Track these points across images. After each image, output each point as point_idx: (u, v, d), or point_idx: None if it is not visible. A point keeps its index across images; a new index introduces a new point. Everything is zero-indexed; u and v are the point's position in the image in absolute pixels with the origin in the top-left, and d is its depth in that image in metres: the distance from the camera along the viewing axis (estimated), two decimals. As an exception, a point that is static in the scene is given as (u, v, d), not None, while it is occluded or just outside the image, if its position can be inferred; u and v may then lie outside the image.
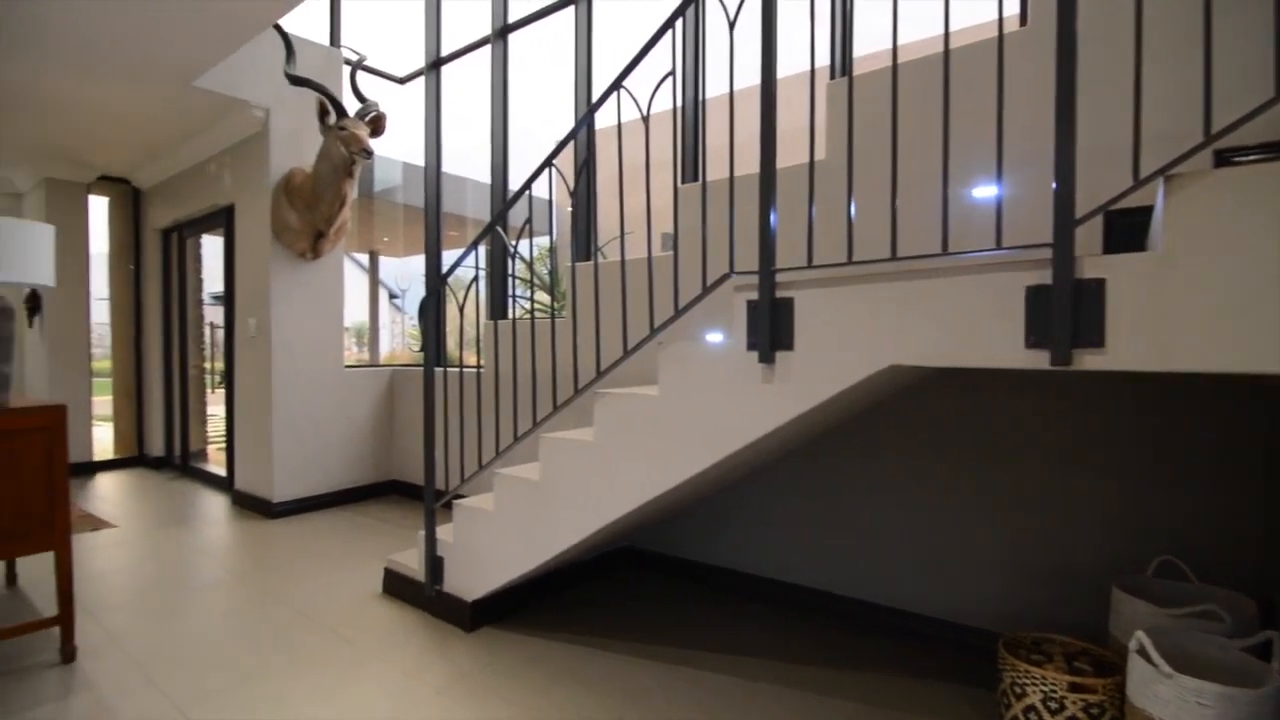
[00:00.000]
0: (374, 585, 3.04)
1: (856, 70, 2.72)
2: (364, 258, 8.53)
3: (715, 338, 1.99)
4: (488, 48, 4.31)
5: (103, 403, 6.24)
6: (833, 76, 2.81)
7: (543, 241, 7.43)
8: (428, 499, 2.75)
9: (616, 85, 2.14)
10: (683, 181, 3.14)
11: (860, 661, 2.37)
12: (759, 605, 2.87)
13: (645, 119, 2.11)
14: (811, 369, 1.74)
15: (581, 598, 2.93)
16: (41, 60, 3.51)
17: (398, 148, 6.83)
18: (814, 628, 2.64)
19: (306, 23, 4.90)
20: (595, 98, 2.25)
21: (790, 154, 2.08)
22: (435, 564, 2.72)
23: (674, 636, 2.56)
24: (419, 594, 2.78)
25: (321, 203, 4.03)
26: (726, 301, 1.95)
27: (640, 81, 2.13)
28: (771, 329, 1.78)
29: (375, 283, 8.35)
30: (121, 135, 4.85)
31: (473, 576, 2.61)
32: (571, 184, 2.49)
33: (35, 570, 3.19)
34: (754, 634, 2.59)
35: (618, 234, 3.36)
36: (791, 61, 1.95)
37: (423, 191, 4.85)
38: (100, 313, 6.18)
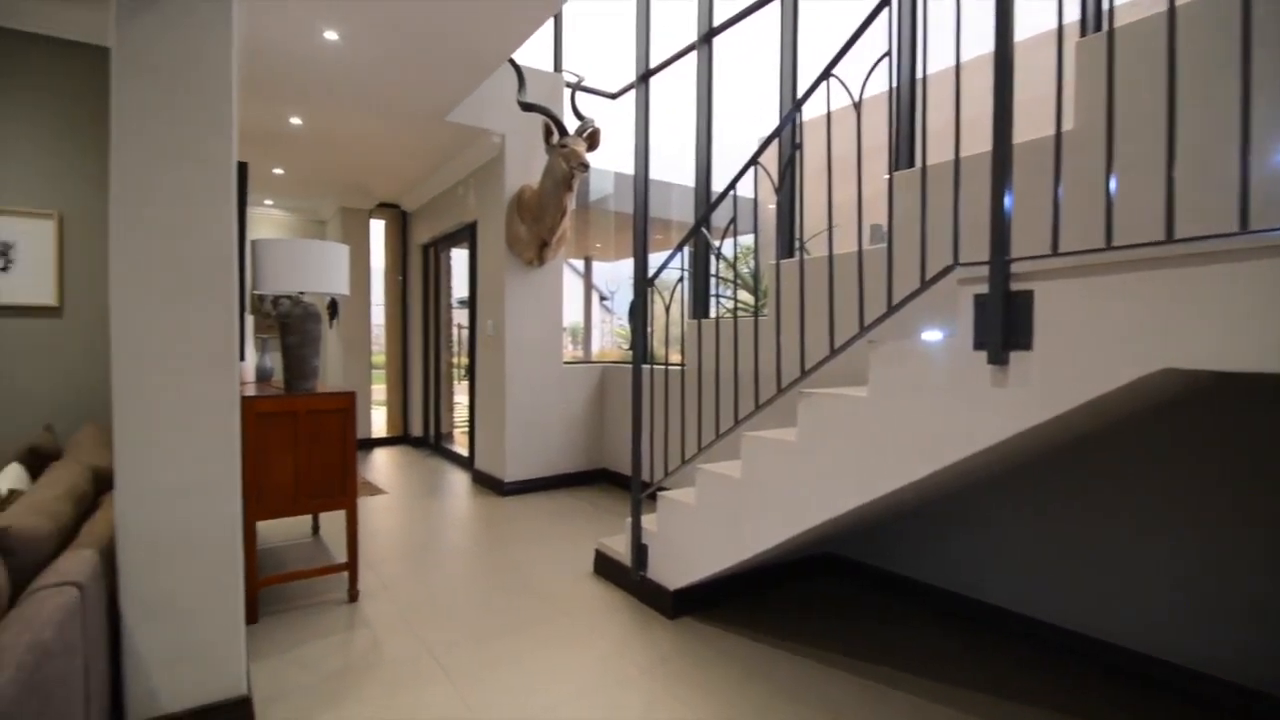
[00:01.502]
0: (586, 565, 3.28)
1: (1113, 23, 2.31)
2: (579, 263, 9.24)
3: (934, 336, 1.82)
4: (692, 55, 4.41)
5: (378, 390, 7.56)
6: (1084, 33, 2.42)
7: (745, 240, 7.42)
8: (634, 489, 2.90)
9: (826, 74, 2.06)
10: (896, 168, 2.93)
11: (1101, 712, 2.02)
12: (974, 632, 2.57)
13: (857, 105, 2.01)
14: (1055, 371, 1.52)
15: (780, 599, 2.88)
16: (337, 110, 4.34)
17: (610, 159, 7.27)
18: (1040, 665, 2.30)
19: (533, 52, 5.44)
20: (801, 90, 2.19)
21: (1025, 128, 1.83)
22: (640, 551, 2.85)
23: (874, 652, 2.41)
24: (625, 577, 2.95)
25: (546, 215, 4.45)
26: (949, 296, 1.78)
27: (849, 66, 2.03)
28: (1005, 326, 1.59)
29: (589, 286, 9.00)
30: (393, 168, 5.81)
31: (674, 566, 2.70)
32: (776, 181, 2.45)
33: (329, 525, 3.95)
34: (969, 662, 2.33)
35: (823, 229, 3.25)
36: (1025, 24, 1.72)
37: (632, 199, 5.11)
38: (378, 316, 7.48)
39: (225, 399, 1.85)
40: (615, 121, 5.55)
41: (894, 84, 2.13)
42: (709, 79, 4.34)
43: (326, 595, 2.92)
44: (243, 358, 2.50)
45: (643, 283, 2.96)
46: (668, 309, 2.82)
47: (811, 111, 2.24)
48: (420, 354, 7.09)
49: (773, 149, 2.56)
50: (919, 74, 2.83)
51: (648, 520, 2.90)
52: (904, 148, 2.97)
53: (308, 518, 3.99)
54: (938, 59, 1.90)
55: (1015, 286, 1.59)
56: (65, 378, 3.25)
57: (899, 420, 1.86)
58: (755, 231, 3.14)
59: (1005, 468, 2.36)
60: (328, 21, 3.13)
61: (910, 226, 2.06)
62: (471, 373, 5.56)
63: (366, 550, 3.51)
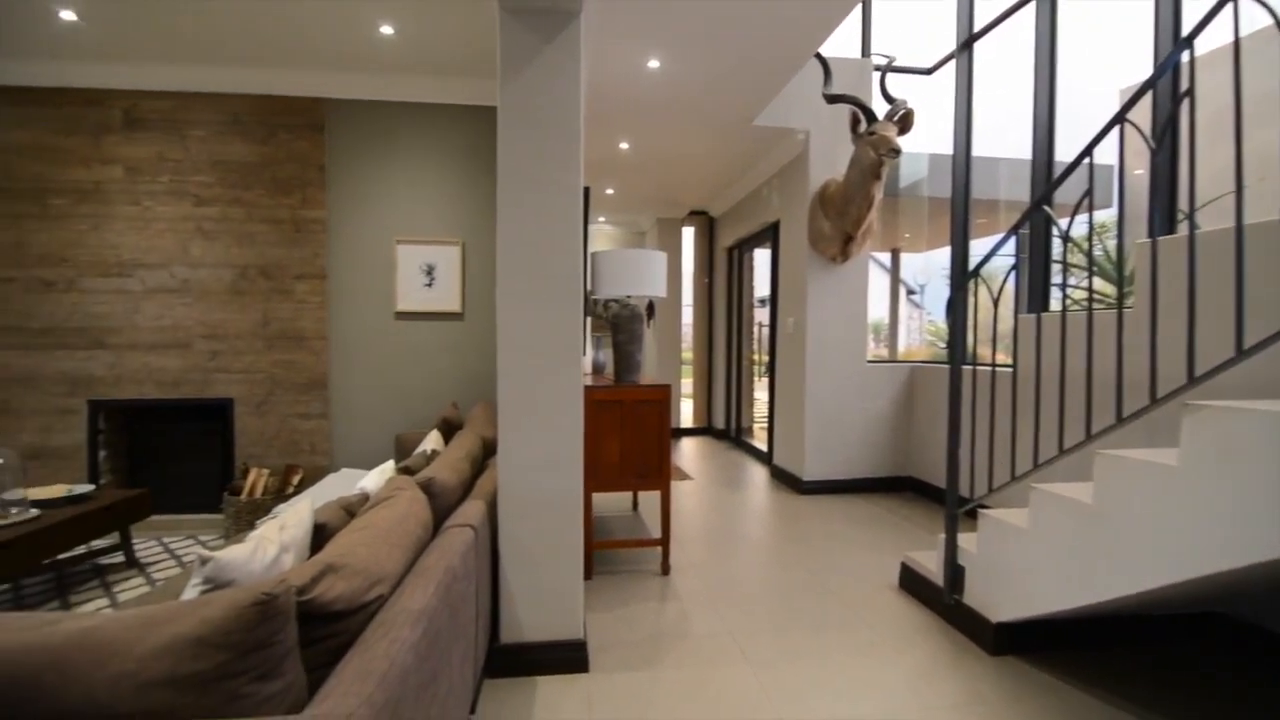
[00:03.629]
0: (889, 576, 3.10)
1: None
2: (884, 256, 8.69)
3: None
4: (1028, 8, 3.81)
5: (686, 384, 8.16)
6: None
7: (1101, 217, 6.15)
8: (949, 503, 2.64)
9: (1233, -2, 1.60)
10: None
11: None
12: None
13: (1286, 31, 1.52)
14: None
15: (1137, 658, 2.34)
16: (658, 130, 4.78)
17: (923, 140, 6.69)
18: None
19: (839, 41, 5.28)
20: (1187, 24, 1.75)
21: None
22: (955, 572, 2.59)
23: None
24: (935, 598, 2.70)
25: (851, 207, 4.30)
26: None
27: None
28: None
29: (896, 280, 8.41)
30: (702, 178, 6.20)
31: (998, 596, 2.39)
32: (1152, 139, 2.00)
33: (645, 503, 4.40)
34: None
35: (1214, 196, 2.53)
36: None
37: (949, 181, 4.64)
38: (686, 316, 8.07)
39: (573, 388, 2.20)
40: (929, 99, 5.10)
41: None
42: (1051, 31, 3.71)
43: (643, 565, 3.26)
44: (582, 353, 2.94)
45: (962, 273, 2.67)
46: (995, 302, 2.50)
47: (1203, 47, 1.76)
48: (724, 351, 7.46)
49: (1143, 105, 2.08)
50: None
51: (964, 539, 2.61)
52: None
53: (628, 494, 4.51)
54: None
55: None
56: (465, 367, 4.22)
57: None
58: (1120, 206, 2.60)
59: None
60: (651, 52, 3.48)
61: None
62: (771, 369, 5.65)
63: (675, 529, 3.82)
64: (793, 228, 5.07)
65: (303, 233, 4.12)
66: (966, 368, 2.75)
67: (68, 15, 3.33)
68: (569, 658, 2.24)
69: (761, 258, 6.86)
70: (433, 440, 2.85)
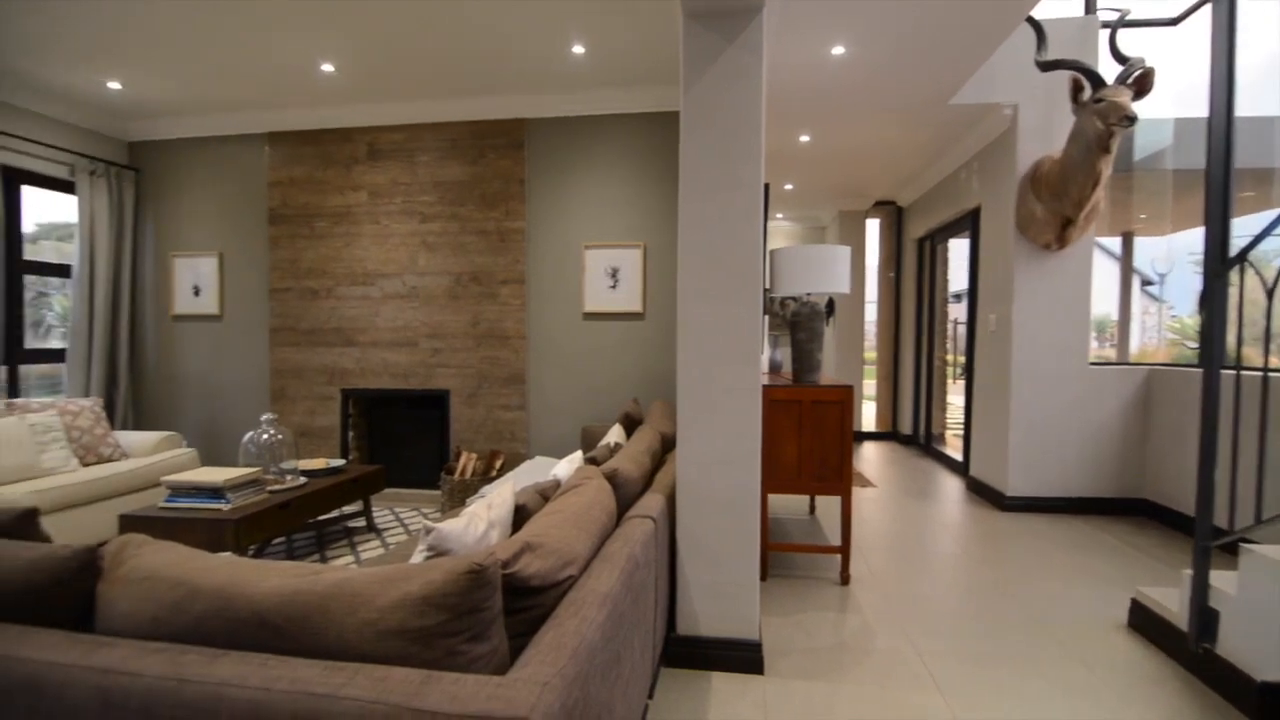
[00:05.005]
0: (1115, 613, 2.69)
1: None
2: (1113, 242, 7.50)
3: None
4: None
5: (868, 385, 7.73)
6: None
7: None
8: (1199, 534, 2.22)
9: None
10: None
11: None
12: None
13: None
14: None
15: None
16: (841, 120, 4.58)
17: (1165, 104, 5.67)
18: None
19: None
20: None
21: None
22: (1205, 616, 2.18)
23: None
24: (1177, 644, 2.29)
25: (1071, 187, 3.78)
26: None
27: None
28: None
29: (1128, 269, 7.23)
30: (890, 165, 5.82)
31: (1267, 649, 1.97)
32: None
33: (823, 508, 4.24)
34: None
35: None
36: None
37: (1202, 149, 3.88)
38: (870, 313, 7.64)
39: (752, 386, 2.19)
40: (1174, 55, 4.31)
41: None
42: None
43: (820, 572, 3.16)
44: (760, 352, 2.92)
45: (1221, 259, 2.23)
46: (1270, 293, 2.06)
47: None
48: (912, 350, 6.94)
49: None
50: None
51: (1218, 577, 2.19)
52: None
53: (805, 498, 4.39)
54: None
55: None
56: (645, 364, 4.40)
57: None
58: None
59: None
60: (835, 38, 3.35)
61: None
62: (969, 371, 5.15)
63: (856, 538, 3.65)
64: (996, 213, 4.58)
65: (506, 242, 4.56)
66: (1226, 372, 2.30)
67: (327, 68, 4.01)
68: (744, 657, 2.24)
69: (958, 249, 6.27)
70: (615, 434, 3.00)
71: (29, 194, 4.50)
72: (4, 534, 1.49)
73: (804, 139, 5.02)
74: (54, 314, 5.00)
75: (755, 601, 2.26)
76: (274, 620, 1.09)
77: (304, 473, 3.58)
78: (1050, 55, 3.83)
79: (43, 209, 4.72)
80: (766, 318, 4.21)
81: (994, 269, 4.62)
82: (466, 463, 4.27)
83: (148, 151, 5.07)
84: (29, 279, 4.53)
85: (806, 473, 2.94)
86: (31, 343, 4.60)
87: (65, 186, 4.65)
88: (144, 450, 4.14)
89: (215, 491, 2.93)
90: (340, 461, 3.87)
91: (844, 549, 2.99)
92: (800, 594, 2.91)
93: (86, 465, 3.81)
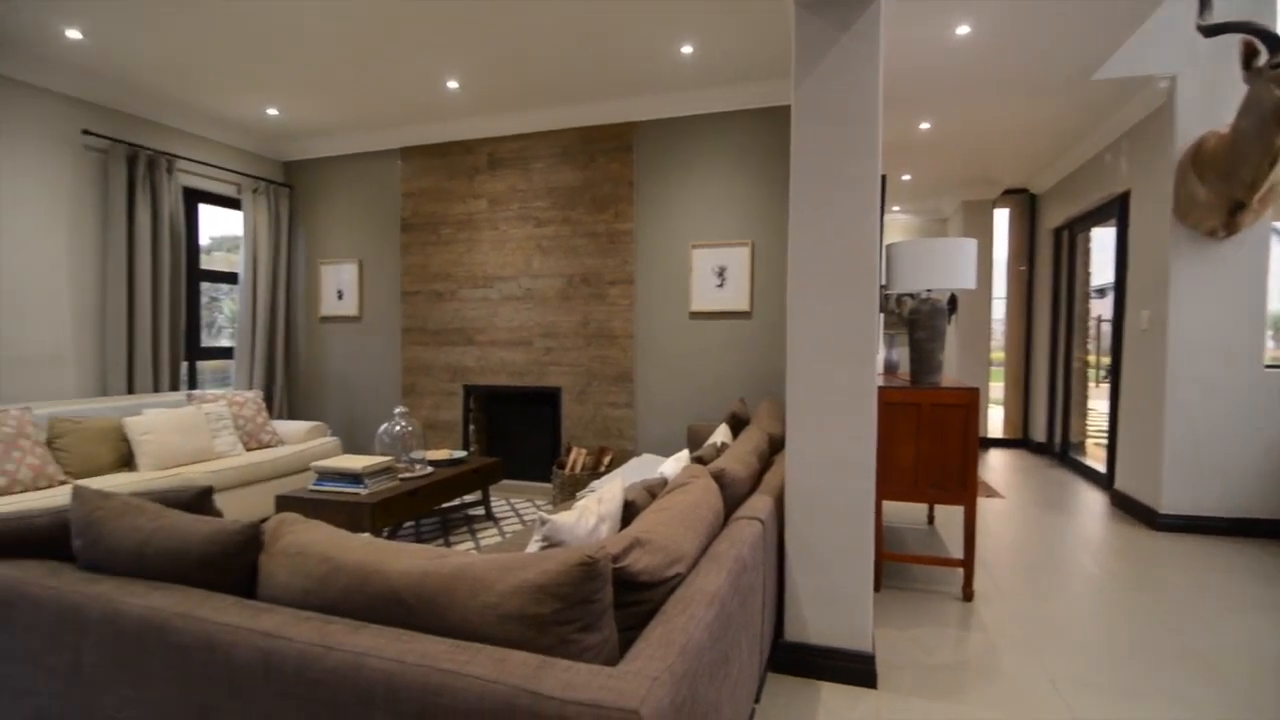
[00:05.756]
0: (1302, 654, 2.34)
1: None
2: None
3: None
4: None
5: (995, 388, 7.19)
6: None
7: None
8: None
9: None
10: None
11: None
12: None
13: None
14: None
15: None
16: (966, 105, 4.29)
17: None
18: None
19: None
20: None
21: None
22: None
23: None
24: (1387, 695, 1.96)
25: (1243, 166, 3.32)
26: None
27: None
28: None
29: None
30: (1021, 150, 5.38)
31: None
32: None
33: (943, 518, 4.00)
34: None
35: None
36: None
37: None
38: (997, 310, 7.10)
39: (866, 388, 2.11)
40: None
41: None
42: None
43: (939, 586, 2.98)
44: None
45: None
46: None
47: None
48: (1046, 351, 6.38)
49: None
50: None
51: None
52: None
53: (923, 507, 4.16)
54: None
55: None
56: (752, 364, 4.34)
57: None
58: None
59: None
60: (961, 18, 3.14)
61: None
62: (1114, 374, 4.66)
63: (981, 552, 3.41)
64: (1149, 198, 4.11)
65: (615, 243, 4.66)
66: None
67: (452, 85, 4.27)
68: (855, 669, 2.16)
69: (1102, 238, 5.69)
70: (722, 433, 2.99)
71: (205, 211, 5.14)
72: (184, 508, 1.71)
73: (924, 126, 4.75)
74: (223, 316, 5.69)
75: (868, 612, 2.17)
76: (406, 598, 1.18)
77: (430, 462, 3.84)
78: (1215, 18, 3.38)
79: (214, 224, 5.38)
80: (882, 316, 4.03)
81: (1146, 260, 4.15)
82: (576, 458, 4.40)
83: (299, 170, 5.64)
84: (204, 285, 5.18)
85: (925, 480, 2.78)
86: (205, 341, 5.25)
87: (233, 203, 5.27)
88: (296, 438, 4.61)
89: (355, 477, 3.21)
90: (462, 453, 4.11)
91: (967, 562, 2.81)
92: (917, 607, 2.76)
93: (249, 450, 4.30)
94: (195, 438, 3.92)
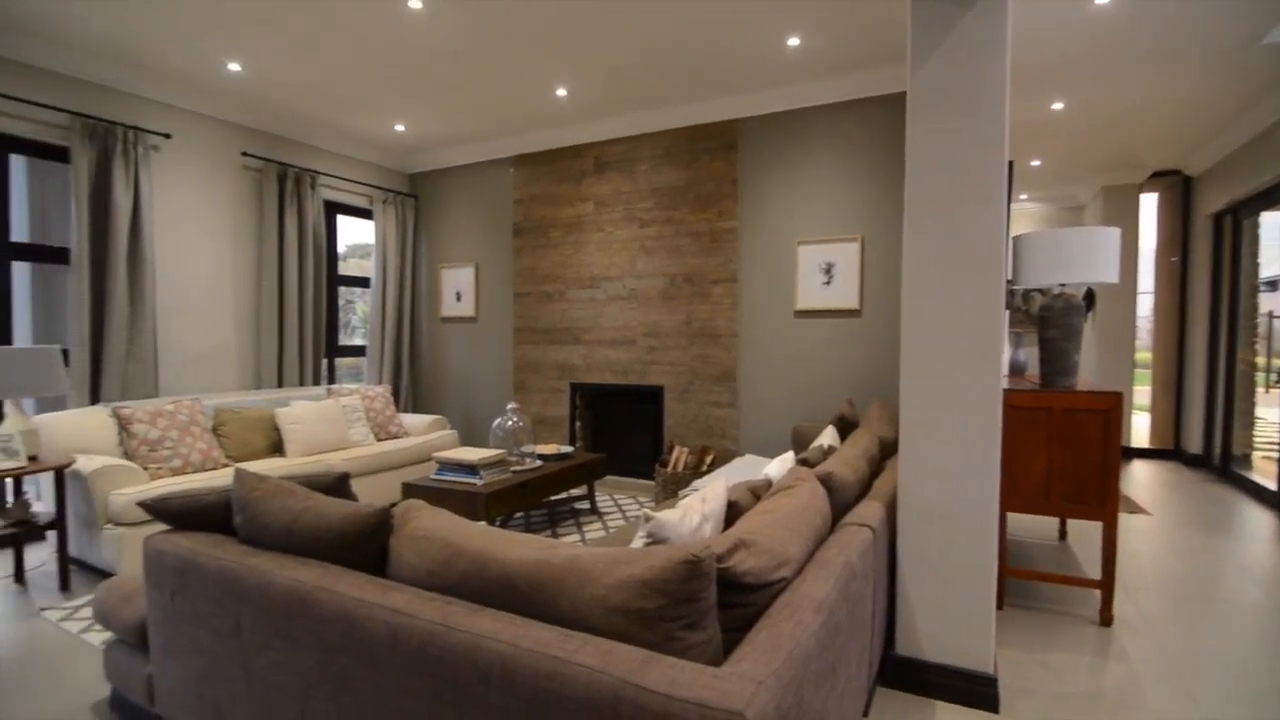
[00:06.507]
0: None
1: None
2: None
3: None
4: None
5: (1141, 393, 6.47)
6: None
7: None
8: None
9: None
10: None
11: None
12: None
13: None
14: None
15: None
16: (1105, 81, 3.90)
17: None
18: None
19: None
20: None
21: None
22: None
23: None
24: None
25: None
26: None
27: None
28: None
29: None
30: (1172, 126, 4.82)
31: None
32: None
33: (1076, 533, 3.66)
34: None
35: None
36: None
37: None
38: (1143, 306, 6.39)
39: (989, 391, 1.98)
40: None
41: None
42: None
43: (1072, 608, 2.74)
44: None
45: None
46: None
47: None
48: (1203, 352, 5.67)
49: None
50: None
51: None
52: None
53: (1053, 521, 3.83)
54: None
55: None
56: (861, 364, 4.18)
57: None
58: None
59: None
60: (1101, -13, 2.87)
61: None
62: (1293, 379, 4.07)
63: (1121, 572, 3.10)
64: (1342, 177, 3.56)
65: (718, 242, 4.64)
66: None
67: (561, 93, 4.42)
68: (975, 691, 2.03)
69: (1272, 224, 4.99)
70: (829, 435, 2.90)
71: (341, 221, 5.63)
72: (326, 491, 1.89)
73: (1056, 106, 4.37)
74: (357, 317, 6.21)
75: (990, 631, 2.03)
76: (520, 585, 1.24)
77: (539, 457, 3.99)
78: None
79: (350, 233, 5.87)
80: (1007, 313, 3.75)
81: (1337, 248, 3.59)
82: (679, 456, 4.42)
83: (422, 180, 6.05)
84: (341, 290, 5.67)
85: (1057, 491, 2.56)
86: (342, 340, 5.75)
87: (365, 214, 5.73)
88: (419, 430, 4.95)
89: (471, 468, 3.39)
90: (569, 449, 4.25)
91: (1106, 583, 2.56)
92: (1046, 630, 2.55)
93: (379, 440, 4.66)
94: (334, 428, 4.29)
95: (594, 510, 4.29)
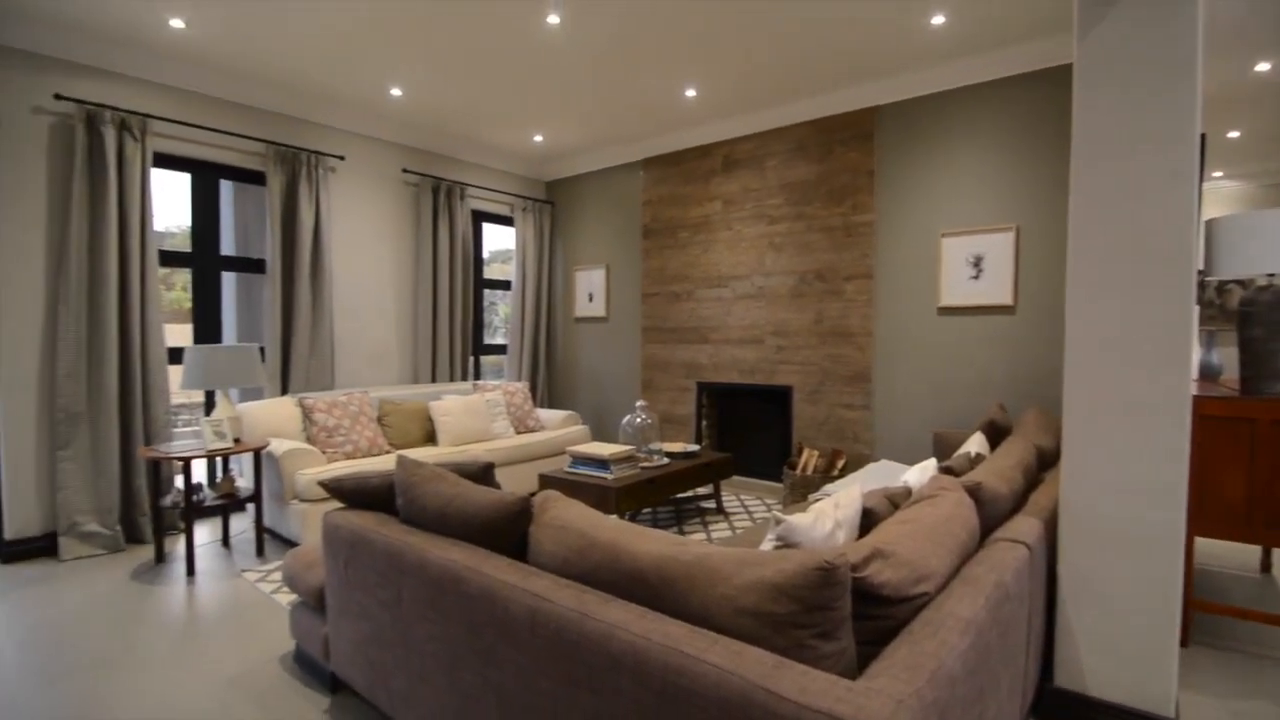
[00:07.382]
0: None
1: None
2: None
3: None
4: None
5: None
6: None
7: None
8: None
9: None
10: None
11: None
12: None
13: None
14: None
15: None
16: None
17: None
18: None
19: None
20: None
21: None
22: None
23: None
24: None
25: None
26: None
27: None
28: None
29: None
30: None
31: None
32: None
33: (1295, 566, 3.12)
34: None
35: None
36: None
37: None
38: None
39: (1176, 398, 1.74)
40: None
41: None
42: None
43: (1273, 650, 2.35)
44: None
45: None
46: None
47: None
48: None
49: None
50: None
51: None
52: None
53: (1253, 549, 3.30)
54: None
55: None
56: (1014, 365, 3.83)
57: None
58: None
59: None
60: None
61: None
62: None
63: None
64: None
65: (852, 237, 4.44)
66: None
67: (690, 93, 4.44)
68: (1153, 734, 1.80)
69: None
70: (976, 443, 2.69)
71: (486, 229, 6.04)
72: (472, 479, 2.04)
73: (1262, 68, 3.74)
74: (499, 318, 6.63)
75: (1172, 671, 1.79)
76: (650, 579, 1.27)
77: (667, 454, 4.05)
78: None
79: (492, 239, 6.29)
80: (1197, 309, 3.27)
81: None
82: (808, 459, 4.30)
83: (557, 187, 6.34)
84: (485, 292, 6.09)
85: (1260, 516, 2.20)
86: (486, 339, 6.17)
87: (507, 221, 6.11)
88: (554, 425, 5.20)
89: (602, 463, 3.51)
90: (695, 447, 4.27)
91: (1330, 628, 2.16)
92: (1242, 674, 2.20)
93: (518, 433, 4.95)
94: (479, 420, 4.62)
95: (720, 510, 4.27)
